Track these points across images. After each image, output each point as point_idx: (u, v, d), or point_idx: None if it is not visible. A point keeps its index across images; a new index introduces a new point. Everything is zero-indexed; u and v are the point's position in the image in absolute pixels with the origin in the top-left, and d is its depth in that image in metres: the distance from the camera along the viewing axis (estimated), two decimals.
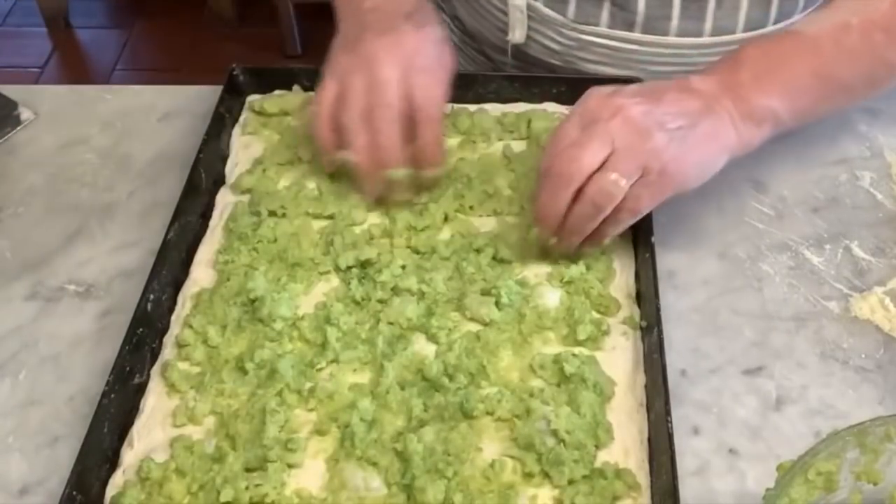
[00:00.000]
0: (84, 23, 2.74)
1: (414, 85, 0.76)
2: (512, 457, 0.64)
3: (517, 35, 0.94)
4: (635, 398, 0.68)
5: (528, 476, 0.63)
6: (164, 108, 0.96)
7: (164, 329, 0.73)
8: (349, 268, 0.75)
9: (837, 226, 0.82)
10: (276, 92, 0.90)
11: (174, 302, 0.75)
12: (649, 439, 0.65)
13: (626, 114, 0.69)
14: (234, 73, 0.90)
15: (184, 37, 2.61)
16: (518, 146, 0.85)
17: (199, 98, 0.94)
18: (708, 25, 0.88)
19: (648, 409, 0.67)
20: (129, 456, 0.66)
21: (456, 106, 0.87)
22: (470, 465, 0.64)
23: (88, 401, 0.70)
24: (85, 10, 2.77)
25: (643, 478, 0.63)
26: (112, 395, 0.66)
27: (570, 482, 0.62)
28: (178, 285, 0.76)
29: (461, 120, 0.86)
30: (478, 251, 0.76)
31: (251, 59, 0.91)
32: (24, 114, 0.95)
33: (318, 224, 0.79)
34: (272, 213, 0.79)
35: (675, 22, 0.88)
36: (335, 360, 0.70)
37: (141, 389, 0.69)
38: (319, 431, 0.66)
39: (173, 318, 0.74)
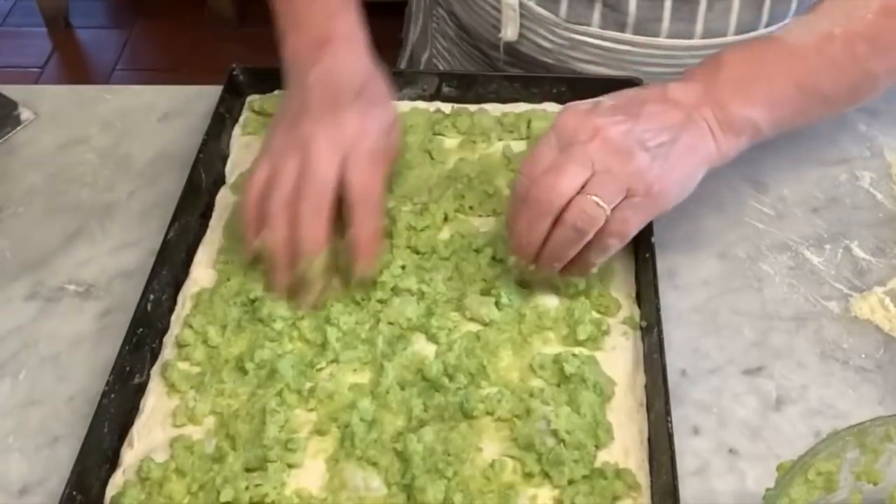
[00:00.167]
0: (84, 23, 2.74)
1: (352, 173, 0.71)
2: (512, 457, 0.64)
3: (509, 33, 0.94)
4: (635, 398, 0.68)
5: (528, 476, 0.63)
6: (164, 108, 0.96)
7: (164, 329, 0.73)
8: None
9: (837, 226, 0.82)
10: (276, 92, 0.90)
11: (174, 302, 0.75)
12: (649, 439, 0.65)
13: (606, 135, 0.66)
14: (234, 73, 0.90)
15: (184, 37, 2.61)
16: (518, 146, 0.85)
17: (199, 98, 0.94)
18: (699, 27, 0.88)
19: (648, 409, 0.67)
20: (129, 456, 0.66)
21: (456, 106, 0.87)
22: (470, 465, 0.64)
23: (88, 401, 0.70)
24: (85, 10, 2.77)
25: (643, 478, 0.63)
26: (112, 395, 0.66)
27: (570, 482, 0.62)
28: (178, 285, 0.76)
29: (461, 120, 0.86)
30: (478, 251, 0.76)
31: (251, 59, 0.91)
32: (24, 114, 0.95)
33: None
34: None
35: (666, 23, 0.88)
36: (335, 360, 0.70)
37: (141, 389, 0.69)
38: (319, 431, 0.66)
39: (173, 318, 0.74)
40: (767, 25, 0.88)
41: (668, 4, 0.87)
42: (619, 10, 0.88)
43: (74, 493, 0.61)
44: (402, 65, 1.16)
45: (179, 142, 0.91)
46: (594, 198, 0.65)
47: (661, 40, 0.89)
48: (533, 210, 0.66)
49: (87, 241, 0.83)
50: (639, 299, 0.74)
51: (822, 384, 0.71)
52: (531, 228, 0.67)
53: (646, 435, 0.66)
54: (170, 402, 0.68)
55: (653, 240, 0.74)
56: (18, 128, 0.94)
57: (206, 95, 0.92)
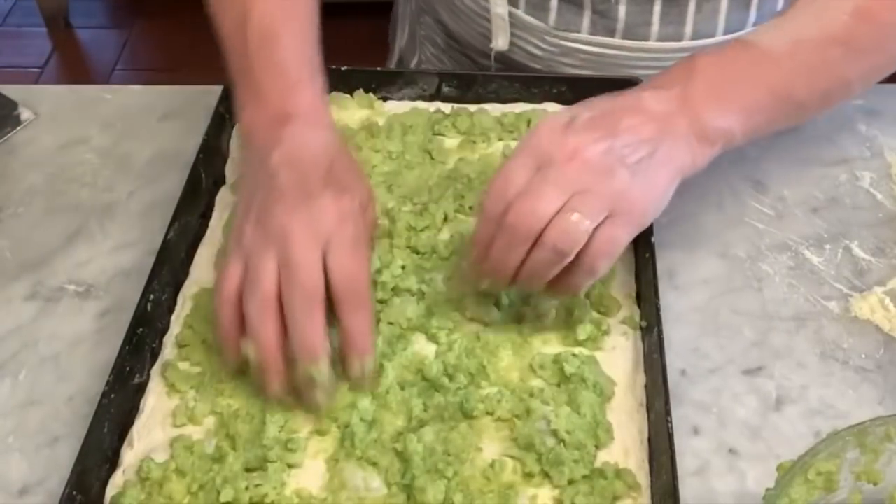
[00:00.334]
0: (84, 23, 2.74)
1: (336, 264, 0.65)
2: (512, 457, 0.64)
3: (500, 43, 0.93)
4: (635, 398, 0.68)
5: (528, 476, 0.63)
6: (164, 108, 0.96)
7: (164, 329, 0.73)
8: None
9: (837, 226, 0.82)
10: None
11: (174, 302, 0.75)
12: (649, 439, 0.65)
13: (584, 156, 0.63)
14: None
15: (184, 37, 2.60)
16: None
17: (199, 98, 0.94)
18: (688, 29, 0.88)
19: (648, 409, 0.67)
20: (129, 456, 0.66)
21: (456, 106, 0.87)
22: (470, 465, 0.64)
23: (88, 401, 0.70)
24: (85, 10, 2.77)
25: (643, 478, 0.63)
26: (112, 395, 0.66)
27: (570, 482, 0.62)
28: (178, 285, 0.76)
29: (461, 120, 0.86)
30: None
31: None
32: (24, 114, 0.95)
33: None
34: None
35: (655, 27, 0.88)
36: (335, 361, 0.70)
37: (141, 389, 0.69)
38: (319, 431, 0.66)
39: (173, 318, 0.74)
40: (756, 25, 0.88)
41: (657, 8, 0.87)
42: (608, 17, 0.88)
43: (74, 493, 0.61)
44: None
45: (179, 142, 0.91)
46: (575, 216, 0.62)
47: (651, 44, 0.89)
48: (510, 235, 0.63)
49: (86, 241, 0.83)
50: (639, 299, 0.74)
51: (822, 384, 0.71)
52: (508, 254, 0.64)
53: (646, 435, 0.66)
54: (170, 402, 0.68)
55: (653, 240, 0.74)
56: (18, 128, 0.94)
57: (206, 95, 0.92)
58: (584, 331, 0.70)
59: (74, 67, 2.65)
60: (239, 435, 0.66)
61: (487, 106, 0.88)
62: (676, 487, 0.59)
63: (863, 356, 0.73)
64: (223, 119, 0.87)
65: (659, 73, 0.73)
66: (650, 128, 0.66)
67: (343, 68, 0.89)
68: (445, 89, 0.90)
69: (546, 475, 0.63)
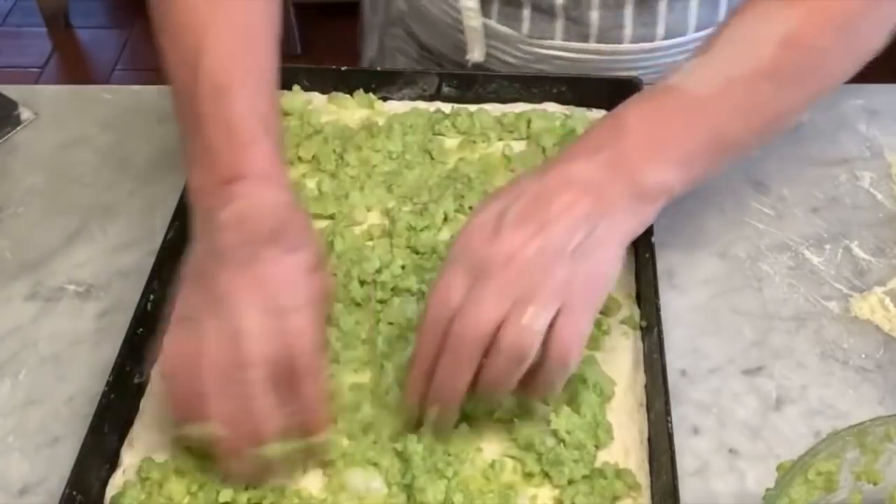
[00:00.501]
0: (84, 23, 2.74)
1: (283, 331, 0.61)
2: (512, 457, 0.64)
3: (476, 55, 0.93)
4: (635, 398, 0.68)
5: (528, 476, 0.63)
6: (164, 108, 0.95)
7: (164, 329, 0.73)
8: (349, 268, 0.75)
9: (837, 226, 0.82)
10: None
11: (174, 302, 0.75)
12: (649, 439, 0.65)
13: (520, 259, 0.59)
14: None
15: None
16: (518, 146, 0.84)
17: None
18: (660, 29, 0.89)
19: (648, 409, 0.67)
20: (129, 456, 0.66)
21: (456, 106, 0.87)
22: (470, 465, 0.64)
23: (88, 401, 0.70)
24: (85, 10, 2.77)
25: (643, 478, 0.63)
26: (112, 395, 0.66)
27: (570, 482, 0.62)
28: (177, 285, 0.76)
29: (461, 120, 0.86)
30: None
31: None
32: (24, 114, 0.95)
33: (318, 224, 0.79)
34: None
35: (628, 30, 0.89)
36: (335, 361, 0.70)
37: (141, 389, 0.69)
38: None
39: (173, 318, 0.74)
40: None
41: (628, 11, 0.87)
42: (580, 22, 0.88)
43: (74, 493, 0.61)
44: None
45: (179, 142, 0.91)
46: (525, 318, 0.58)
47: (625, 46, 0.90)
48: (456, 349, 0.59)
49: (86, 241, 0.83)
50: (638, 299, 0.74)
51: (822, 384, 0.71)
52: (456, 369, 0.60)
53: (646, 435, 0.66)
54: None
55: (653, 240, 0.74)
56: (18, 128, 0.94)
57: None
58: None
59: (74, 67, 2.65)
60: None
61: (487, 106, 0.88)
62: (676, 487, 0.59)
63: (863, 356, 0.73)
64: None
65: (586, 133, 0.70)
66: (585, 203, 0.62)
67: (343, 68, 0.89)
68: (445, 89, 0.90)
69: (546, 475, 0.63)
